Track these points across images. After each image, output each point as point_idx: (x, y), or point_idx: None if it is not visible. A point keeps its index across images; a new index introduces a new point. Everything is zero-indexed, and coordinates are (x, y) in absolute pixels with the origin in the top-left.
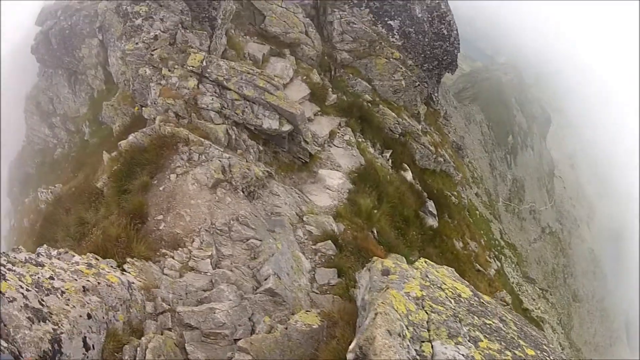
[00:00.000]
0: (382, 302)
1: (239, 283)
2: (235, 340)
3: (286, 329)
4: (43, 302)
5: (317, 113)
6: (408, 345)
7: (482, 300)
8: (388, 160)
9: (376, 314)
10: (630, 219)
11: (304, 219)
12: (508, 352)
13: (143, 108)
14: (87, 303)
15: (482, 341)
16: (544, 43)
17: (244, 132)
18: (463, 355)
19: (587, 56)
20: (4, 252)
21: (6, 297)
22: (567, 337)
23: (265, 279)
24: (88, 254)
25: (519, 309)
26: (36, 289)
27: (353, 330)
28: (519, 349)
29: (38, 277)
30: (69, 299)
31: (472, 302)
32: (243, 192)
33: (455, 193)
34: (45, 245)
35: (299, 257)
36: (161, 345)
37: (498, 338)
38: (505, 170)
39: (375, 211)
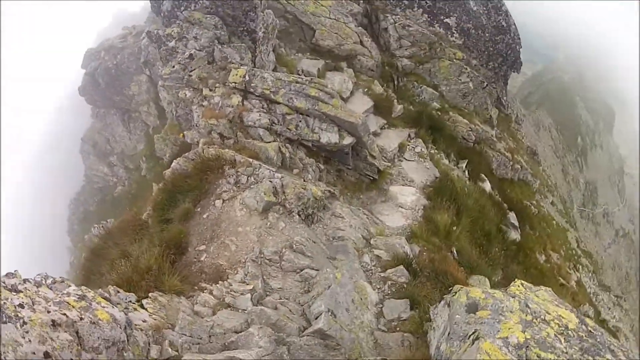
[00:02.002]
0: None
1: (281, 324)
2: None
3: None
4: None
5: (383, 126)
6: None
7: (589, 329)
8: (464, 171)
9: None
10: None
11: (372, 242)
12: None
13: (185, 132)
14: (50, 340)
15: None
16: (601, 34)
17: (300, 149)
18: None
19: None
20: None
21: None
22: (638, 345)
23: (316, 318)
24: (82, 287)
25: (597, 320)
26: None
27: None
28: None
29: (3, 304)
30: (27, 332)
31: (580, 333)
32: (299, 215)
33: (534, 202)
34: (45, 273)
35: (364, 288)
36: None
37: None
38: (577, 175)
39: (454, 228)
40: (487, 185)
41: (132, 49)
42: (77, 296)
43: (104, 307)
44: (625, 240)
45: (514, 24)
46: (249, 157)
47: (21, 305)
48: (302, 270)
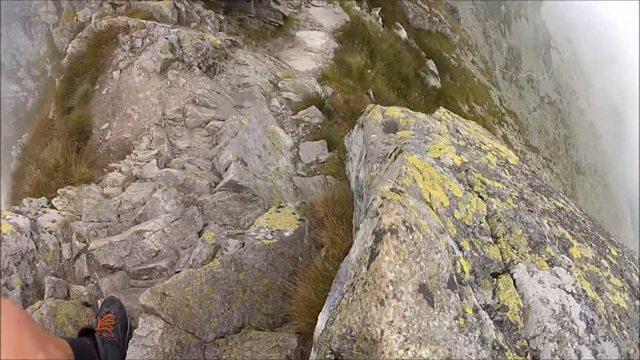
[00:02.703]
0: (392, 191)
1: (189, 183)
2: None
3: (242, 246)
4: None
5: None
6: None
7: (532, 170)
8: (378, 18)
9: (382, 233)
10: (630, 95)
11: (279, 85)
12: (604, 262)
13: (78, 13)
14: None
15: (573, 246)
16: None
17: (197, 2)
18: (570, 290)
19: None
20: None
21: None
22: None
23: (226, 170)
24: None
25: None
26: None
27: (349, 230)
28: (606, 250)
29: None
30: None
31: (524, 171)
32: (200, 68)
33: (454, 55)
34: None
35: (276, 132)
36: (47, 317)
37: (583, 234)
38: (499, 39)
39: (369, 71)
40: (403, 33)
41: None
42: None
43: (8, 219)
44: (551, 108)
45: None
46: (142, 19)
47: None
48: (207, 124)
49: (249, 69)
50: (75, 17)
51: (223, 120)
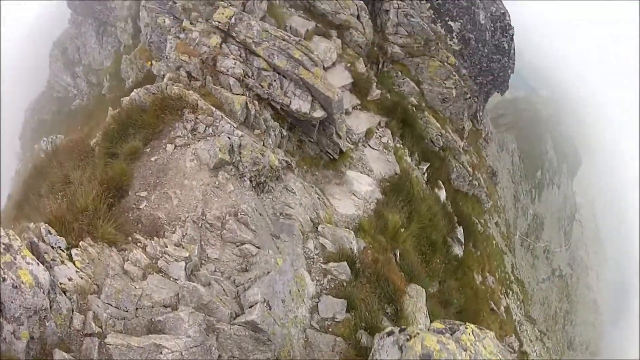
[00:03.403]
0: None
1: (213, 306)
2: None
3: None
4: None
5: (356, 106)
6: None
7: None
8: (424, 173)
9: None
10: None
11: (319, 228)
12: None
13: (154, 62)
14: None
15: None
16: (594, 88)
17: (267, 109)
18: None
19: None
20: None
21: None
22: None
23: (251, 307)
24: (10, 232)
25: (519, 351)
26: None
27: None
28: None
29: None
30: None
31: None
32: (251, 181)
33: (482, 221)
34: None
35: (303, 278)
36: None
37: None
38: (528, 205)
39: (403, 230)
40: (443, 194)
41: None
42: (4, 245)
43: (28, 263)
44: (560, 282)
45: (514, 49)
46: (213, 106)
47: None
48: (242, 245)
49: (295, 198)
50: (150, 63)
51: (258, 247)
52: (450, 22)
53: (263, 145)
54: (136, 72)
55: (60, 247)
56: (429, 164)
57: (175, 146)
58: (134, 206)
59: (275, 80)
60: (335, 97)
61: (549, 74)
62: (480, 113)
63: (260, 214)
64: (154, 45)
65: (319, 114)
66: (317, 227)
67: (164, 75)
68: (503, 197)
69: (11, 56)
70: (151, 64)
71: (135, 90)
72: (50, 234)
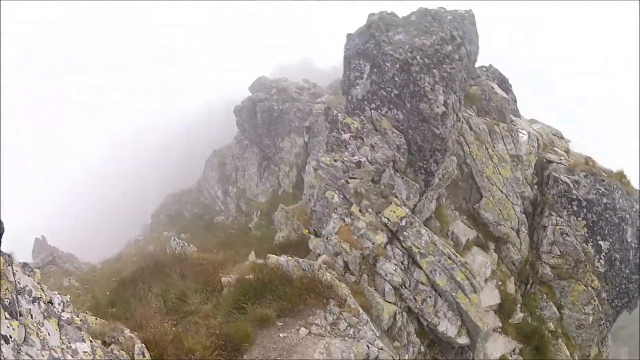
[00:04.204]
0: None
1: None
2: None
3: None
4: None
5: (497, 329)
6: None
7: None
8: None
9: None
10: None
11: None
12: None
13: (312, 237)
14: None
15: None
16: None
17: (412, 323)
18: None
19: None
20: None
21: None
22: None
23: None
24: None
25: None
26: None
27: None
28: None
29: None
30: None
31: None
32: None
33: None
34: (64, 299)
35: None
36: None
37: None
38: None
39: None
40: None
41: (303, 107)
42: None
43: None
44: None
45: None
46: (361, 307)
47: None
48: None
49: None
50: (307, 231)
51: None
52: (600, 242)
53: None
54: (290, 229)
55: None
56: None
57: (310, 332)
58: None
59: (430, 297)
60: (485, 329)
61: None
62: (608, 337)
63: None
64: (315, 215)
65: (463, 340)
66: None
67: (319, 255)
68: None
69: (170, 137)
70: (308, 232)
71: (284, 256)
72: (143, 356)
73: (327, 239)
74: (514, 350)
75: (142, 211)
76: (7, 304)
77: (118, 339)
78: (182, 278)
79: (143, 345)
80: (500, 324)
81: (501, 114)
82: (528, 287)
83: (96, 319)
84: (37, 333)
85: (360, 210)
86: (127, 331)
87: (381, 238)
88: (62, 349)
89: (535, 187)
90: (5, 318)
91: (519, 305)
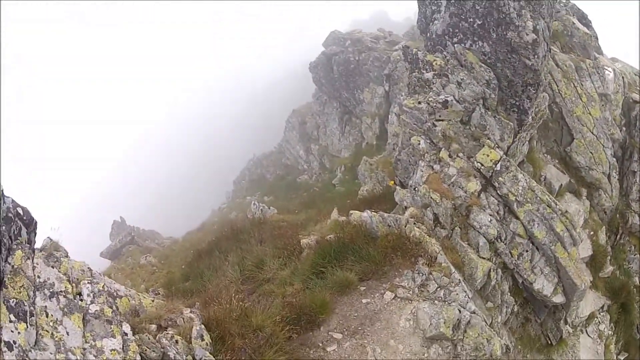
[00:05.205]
0: None
1: None
2: None
3: None
4: None
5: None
6: None
7: None
8: None
9: None
10: None
11: None
12: None
13: (398, 188)
14: None
15: None
16: None
17: (506, 281)
18: None
19: None
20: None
21: None
22: None
23: None
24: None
25: None
26: None
27: None
28: None
29: None
30: None
31: None
32: None
33: None
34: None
35: None
36: None
37: None
38: None
39: None
40: None
41: (380, 55)
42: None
43: None
44: None
45: None
46: (453, 264)
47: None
48: None
49: None
50: (393, 183)
51: None
52: None
53: (491, 324)
54: (374, 182)
55: None
56: (627, 355)
57: (396, 296)
58: (320, 345)
59: (527, 251)
60: (582, 286)
61: None
62: None
63: None
64: (400, 164)
65: (558, 299)
66: None
67: (405, 208)
68: None
69: (247, 103)
70: (393, 184)
71: (367, 211)
72: (202, 339)
73: (414, 189)
74: (602, 307)
75: (225, 181)
76: (13, 304)
77: (176, 321)
78: (260, 243)
79: (202, 326)
80: (592, 278)
81: (585, 50)
82: (618, 237)
83: (153, 301)
84: (52, 334)
85: (449, 156)
86: (186, 311)
87: (474, 185)
88: (84, 349)
89: (624, 128)
90: (10, 321)
91: (609, 258)
